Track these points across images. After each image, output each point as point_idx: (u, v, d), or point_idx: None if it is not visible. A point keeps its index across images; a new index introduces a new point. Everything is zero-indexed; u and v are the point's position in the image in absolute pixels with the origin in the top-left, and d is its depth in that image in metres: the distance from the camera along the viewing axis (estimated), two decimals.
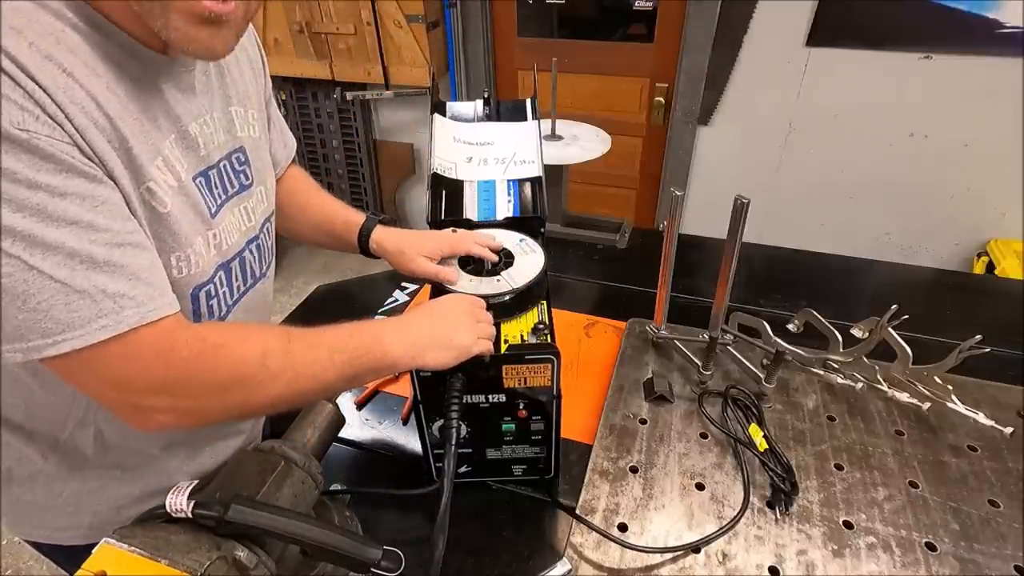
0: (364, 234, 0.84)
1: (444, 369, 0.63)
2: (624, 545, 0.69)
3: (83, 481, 0.67)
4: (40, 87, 0.43)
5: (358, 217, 0.85)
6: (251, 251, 0.69)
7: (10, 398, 0.61)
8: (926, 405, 0.85)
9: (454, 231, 0.82)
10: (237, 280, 0.67)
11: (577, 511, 0.74)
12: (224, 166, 0.64)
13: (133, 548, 0.44)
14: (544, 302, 0.76)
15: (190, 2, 0.47)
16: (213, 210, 0.61)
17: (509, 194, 0.87)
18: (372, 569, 0.48)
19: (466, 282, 0.75)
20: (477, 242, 0.79)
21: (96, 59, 0.48)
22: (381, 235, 0.84)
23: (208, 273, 0.61)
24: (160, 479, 0.69)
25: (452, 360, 0.63)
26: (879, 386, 0.87)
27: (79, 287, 0.45)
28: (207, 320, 0.63)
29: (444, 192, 0.86)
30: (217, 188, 0.63)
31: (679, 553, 0.69)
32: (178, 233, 0.56)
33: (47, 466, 0.65)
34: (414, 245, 0.80)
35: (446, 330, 0.64)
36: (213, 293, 0.63)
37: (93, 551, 0.45)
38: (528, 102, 0.97)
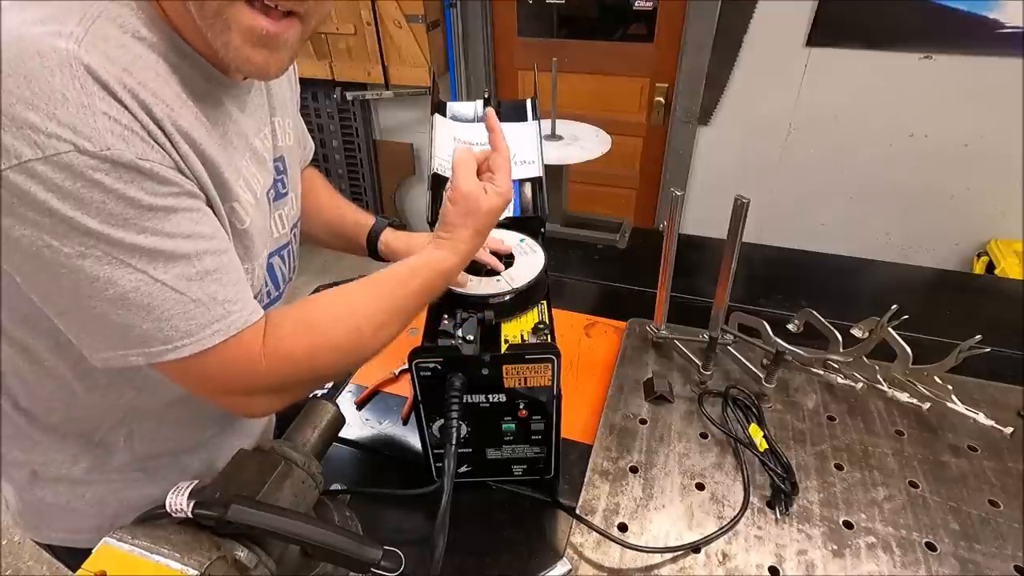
0: (373, 236, 0.86)
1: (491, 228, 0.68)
2: (624, 545, 0.69)
3: (107, 482, 0.68)
4: (153, 119, 0.46)
5: (368, 219, 0.87)
6: (281, 257, 0.71)
7: (50, 398, 0.62)
8: (926, 405, 0.85)
9: None
10: (267, 286, 0.68)
11: (577, 511, 0.74)
12: (272, 174, 0.67)
13: (133, 548, 0.45)
14: (544, 302, 0.76)
15: (249, 22, 0.49)
16: (270, 221, 0.65)
17: None
18: (372, 569, 0.48)
19: (466, 282, 0.75)
20: (486, 246, 0.79)
21: (183, 88, 0.51)
22: (391, 238, 0.86)
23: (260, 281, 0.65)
24: (183, 479, 0.70)
25: (497, 215, 0.68)
26: (879, 386, 0.87)
27: (195, 296, 0.49)
28: None
29: (444, 192, 0.86)
30: (271, 195, 0.66)
31: (679, 553, 0.69)
32: (250, 247, 0.60)
33: (75, 469, 0.66)
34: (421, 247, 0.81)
35: (478, 213, 0.66)
36: None
37: (93, 551, 0.45)
38: (528, 102, 0.97)
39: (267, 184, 0.64)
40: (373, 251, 0.86)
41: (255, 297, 0.63)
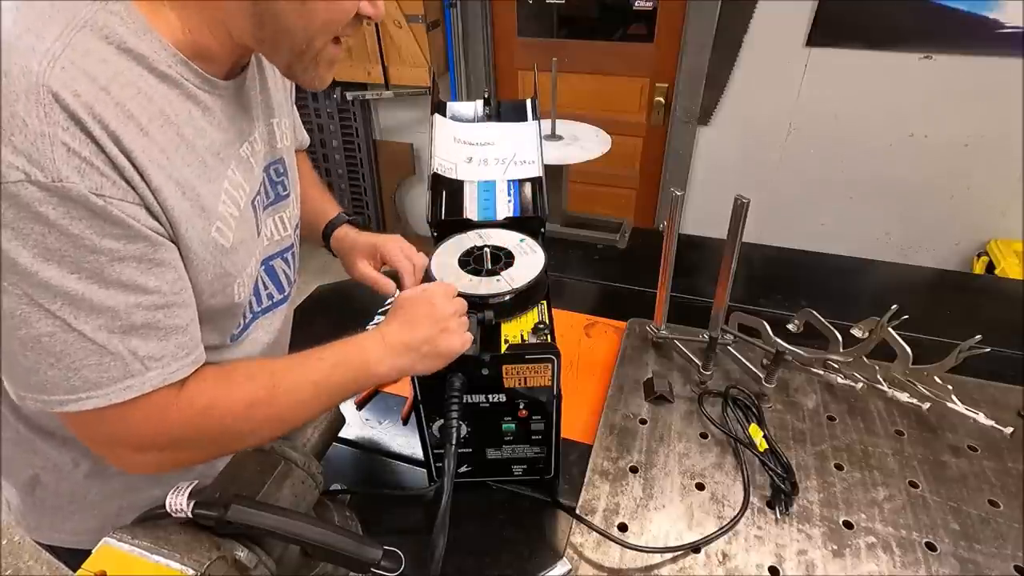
0: (328, 230, 0.85)
1: (437, 369, 0.63)
2: (624, 545, 0.69)
3: (109, 484, 0.67)
4: (122, 151, 0.44)
5: (330, 211, 0.86)
6: (284, 260, 0.70)
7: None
8: (926, 405, 0.85)
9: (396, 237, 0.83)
10: (268, 288, 0.68)
11: (577, 511, 0.74)
12: (264, 178, 0.65)
13: (133, 548, 0.45)
14: (544, 302, 0.76)
15: (336, 54, 0.54)
16: (259, 227, 0.63)
17: (509, 194, 0.87)
18: (372, 569, 0.48)
19: (466, 282, 0.75)
20: (402, 251, 0.80)
21: (169, 101, 0.49)
22: (341, 234, 0.85)
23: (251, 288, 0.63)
24: (181, 480, 0.70)
25: (441, 366, 0.63)
26: (879, 386, 0.87)
27: (114, 350, 0.46)
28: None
29: (444, 192, 0.86)
30: (259, 201, 0.64)
31: (679, 553, 0.69)
32: (237, 261, 0.58)
33: (76, 471, 0.66)
34: (358, 245, 0.82)
35: (432, 337, 0.61)
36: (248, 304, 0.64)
37: (93, 551, 0.45)
38: (528, 102, 0.97)
39: (252, 191, 0.61)
40: (327, 243, 0.86)
41: (242, 306, 0.62)
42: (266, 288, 0.68)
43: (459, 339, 0.63)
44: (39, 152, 0.40)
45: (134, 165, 0.45)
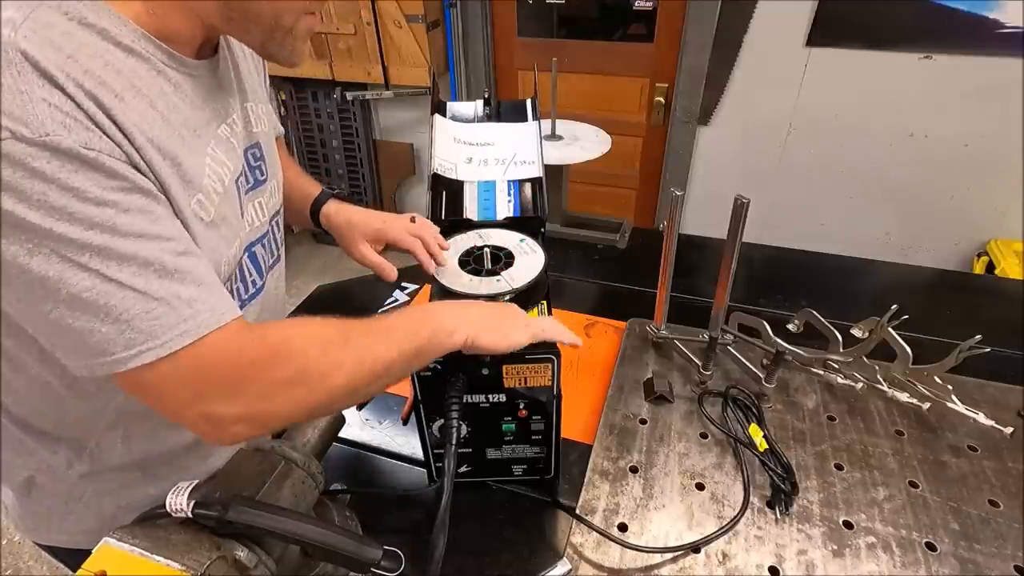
0: (316, 207, 0.83)
1: (497, 352, 0.62)
2: (624, 545, 0.69)
3: (104, 483, 0.67)
4: (101, 108, 0.44)
5: (314, 189, 0.85)
6: (263, 246, 0.70)
7: (39, 406, 0.61)
8: (926, 405, 0.85)
9: (413, 219, 0.81)
10: (251, 275, 0.67)
11: (577, 511, 0.74)
12: (244, 161, 0.65)
13: (133, 548, 0.44)
14: (544, 302, 0.76)
15: (312, 25, 0.53)
16: (242, 209, 0.63)
17: (509, 194, 0.87)
18: (372, 569, 0.48)
19: (466, 281, 0.75)
20: (415, 233, 0.77)
21: (139, 75, 0.49)
22: (332, 210, 0.83)
23: (234, 272, 0.62)
24: (181, 478, 0.70)
25: (505, 347, 0.61)
26: (879, 386, 0.87)
27: (157, 295, 0.45)
28: None
29: (444, 192, 0.86)
30: (242, 183, 0.63)
31: (679, 553, 0.69)
32: (220, 238, 0.57)
33: (71, 472, 0.65)
34: (359, 226, 0.80)
35: (501, 322, 0.63)
36: (231, 290, 0.63)
37: (93, 551, 0.45)
38: (528, 102, 0.97)
39: (236, 171, 0.61)
40: (318, 223, 0.84)
41: (231, 289, 0.62)
42: (250, 275, 0.67)
43: (526, 333, 0.63)
44: (21, 109, 0.40)
45: (115, 123, 0.45)
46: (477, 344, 0.60)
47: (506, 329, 0.62)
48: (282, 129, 0.87)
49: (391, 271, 0.78)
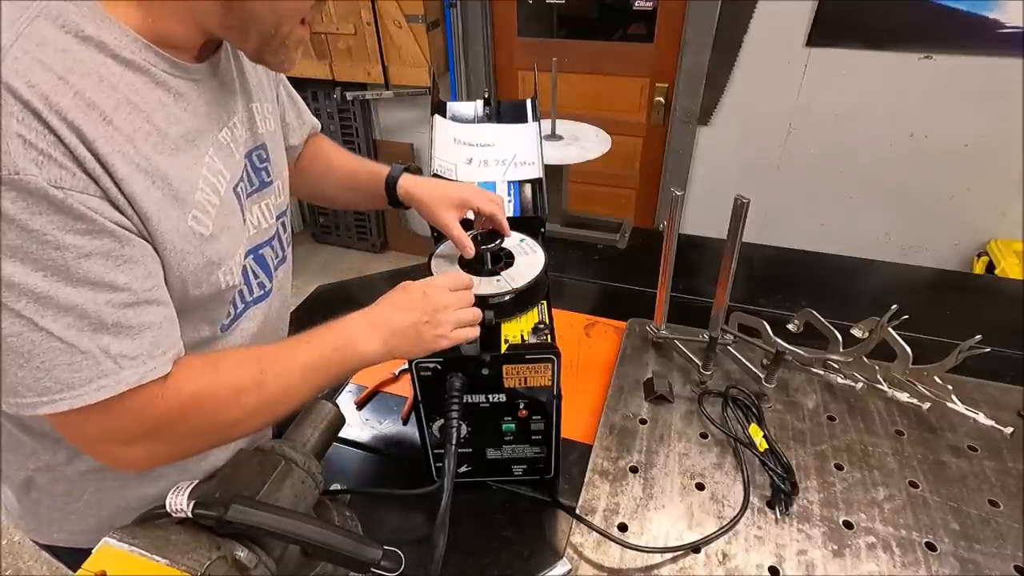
0: (391, 183, 0.82)
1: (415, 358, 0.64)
2: (624, 545, 0.69)
3: (104, 483, 0.67)
4: (83, 142, 0.44)
5: (383, 169, 0.84)
6: (271, 247, 0.70)
7: None
8: (926, 405, 0.85)
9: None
10: (259, 277, 0.67)
11: (577, 511, 0.74)
12: (246, 164, 0.65)
13: (133, 548, 0.44)
14: (544, 302, 0.76)
15: (304, 35, 0.54)
16: (243, 215, 0.63)
17: (509, 195, 0.87)
18: (372, 569, 0.48)
19: None
20: (491, 200, 0.78)
21: (136, 89, 0.49)
22: (410, 183, 0.82)
23: (240, 276, 0.62)
24: (181, 478, 0.70)
25: (424, 354, 0.63)
26: (879, 386, 0.87)
27: (84, 348, 0.45)
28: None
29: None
30: (242, 188, 0.63)
31: (679, 553, 0.69)
32: (221, 249, 0.57)
33: (70, 471, 0.65)
34: (443, 194, 0.79)
35: (416, 323, 0.62)
36: (234, 296, 0.64)
37: (93, 551, 0.45)
38: (528, 103, 0.97)
39: (235, 178, 0.60)
40: (393, 199, 0.83)
41: (234, 295, 0.62)
42: (256, 277, 0.67)
43: (446, 327, 0.63)
44: None
45: (96, 156, 0.44)
46: (394, 356, 0.62)
47: (421, 331, 0.62)
48: (317, 123, 0.87)
49: (472, 248, 0.76)
